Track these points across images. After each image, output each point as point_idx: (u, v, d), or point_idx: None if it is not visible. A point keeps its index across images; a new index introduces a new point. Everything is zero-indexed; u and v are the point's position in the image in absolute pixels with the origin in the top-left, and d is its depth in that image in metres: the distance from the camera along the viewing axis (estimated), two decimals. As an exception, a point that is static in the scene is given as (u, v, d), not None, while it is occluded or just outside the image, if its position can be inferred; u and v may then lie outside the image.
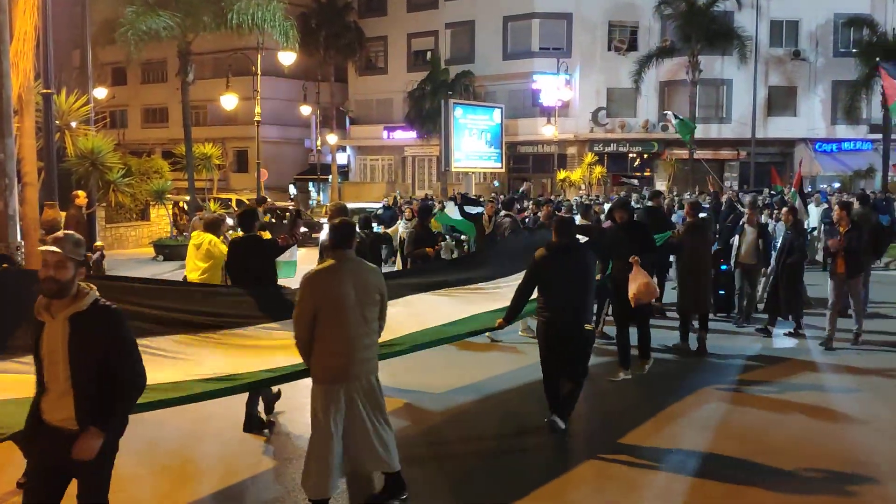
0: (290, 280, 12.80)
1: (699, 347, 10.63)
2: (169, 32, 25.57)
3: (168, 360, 5.87)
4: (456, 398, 8.80)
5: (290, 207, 28.61)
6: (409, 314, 7.54)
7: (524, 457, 7.03)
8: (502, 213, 13.51)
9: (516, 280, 7.89)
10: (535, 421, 7.63)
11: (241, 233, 8.43)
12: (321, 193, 47.92)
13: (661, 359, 10.22)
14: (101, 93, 30.64)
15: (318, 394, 5.54)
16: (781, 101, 40.87)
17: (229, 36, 27.17)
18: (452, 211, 14.85)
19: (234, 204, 29.79)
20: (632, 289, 8.85)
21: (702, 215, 12.23)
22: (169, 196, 26.10)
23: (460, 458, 7.11)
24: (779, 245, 12.39)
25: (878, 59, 35.00)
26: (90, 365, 4.05)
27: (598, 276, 9.00)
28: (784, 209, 12.46)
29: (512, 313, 7.54)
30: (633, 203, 14.98)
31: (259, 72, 28.28)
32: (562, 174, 39.72)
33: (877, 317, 13.18)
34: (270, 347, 6.43)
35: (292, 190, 29.71)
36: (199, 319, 6.48)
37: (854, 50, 38.66)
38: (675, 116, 29.22)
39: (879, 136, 37.25)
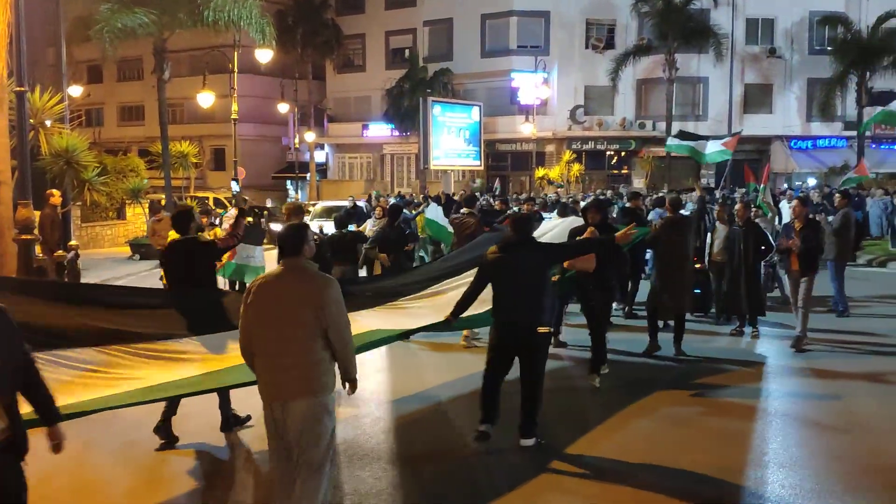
0: None
1: (675, 350, 10.35)
2: (145, 30, 25.40)
3: (92, 374, 5.53)
4: (416, 403, 8.59)
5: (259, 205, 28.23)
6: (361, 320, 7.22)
7: (489, 464, 6.81)
8: (464, 211, 12.72)
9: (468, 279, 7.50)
10: (503, 427, 7.19)
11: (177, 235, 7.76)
12: (299, 192, 47.74)
13: (632, 363, 10.10)
14: (76, 91, 30.33)
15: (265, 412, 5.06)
16: (757, 98, 41.21)
17: (206, 33, 27.04)
18: (434, 213, 14.16)
19: (210, 202, 29.62)
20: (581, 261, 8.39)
21: (683, 212, 11.98)
22: (148, 196, 25.91)
23: (422, 463, 6.88)
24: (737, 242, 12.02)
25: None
26: None
27: (555, 278, 8.68)
28: (738, 205, 12.19)
29: (459, 308, 7.14)
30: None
31: (236, 69, 28.12)
32: (540, 172, 39.83)
33: (856, 316, 13.19)
34: (206, 359, 6.13)
35: (234, 186, 29.13)
36: (131, 329, 6.14)
37: (829, 48, 38.99)
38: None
39: (854, 133, 37.63)
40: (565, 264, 8.52)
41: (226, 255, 11.83)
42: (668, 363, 10.13)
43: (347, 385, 5.15)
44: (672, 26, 37.13)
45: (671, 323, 10.81)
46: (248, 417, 7.66)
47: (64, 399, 4.79)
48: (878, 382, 9.30)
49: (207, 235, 12.07)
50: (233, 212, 18.18)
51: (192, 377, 5.91)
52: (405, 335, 7.51)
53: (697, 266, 12.51)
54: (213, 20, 25.39)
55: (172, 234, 9.34)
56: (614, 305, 12.74)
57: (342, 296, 5.01)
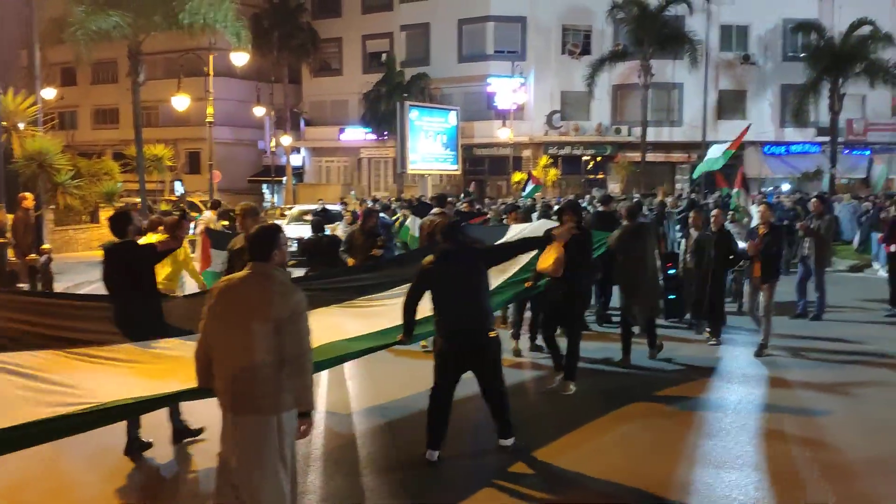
0: None
1: (649, 354, 10.38)
2: (119, 32, 25.20)
3: (31, 382, 5.21)
4: (378, 414, 8.34)
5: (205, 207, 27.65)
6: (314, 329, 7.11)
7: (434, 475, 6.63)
8: (435, 211, 12.21)
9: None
10: (454, 438, 7.04)
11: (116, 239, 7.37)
12: (275, 195, 47.58)
13: (600, 371, 9.98)
14: (49, 93, 30.01)
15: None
16: (731, 104, 41.61)
17: (181, 36, 26.87)
18: (415, 225, 13.62)
19: (185, 206, 29.44)
20: (542, 261, 8.22)
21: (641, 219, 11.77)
22: (126, 202, 25.72)
23: (376, 473, 6.68)
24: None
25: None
26: None
27: (528, 283, 8.72)
28: (716, 210, 11.99)
29: (405, 326, 6.82)
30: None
31: (211, 72, 28.00)
32: (517, 176, 39.95)
33: (831, 321, 13.20)
34: (145, 367, 5.85)
35: (178, 188, 28.82)
36: (69, 335, 6.05)
37: (802, 54, 39.44)
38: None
39: (827, 138, 38.13)
40: (539, 268, 8.31)
41: (199, 265, 11.46)
42: (633, 372, 10.02)
43: (300, 423, 4.71)
44: (647, 33, 37.43)
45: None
46: (201, 430, 7.37)
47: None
48: (844, 394, 9.10)
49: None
50: (208, 214, 17.98)
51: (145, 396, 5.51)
52: (366, 352, 7.10)
53: (672, 271, 12.56)
54: (189, 23, 25.26)
55: (148, 238, 9.25)
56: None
57: (306, 311, 4.67)
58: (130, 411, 5.71)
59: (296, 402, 4.62)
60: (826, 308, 13.52)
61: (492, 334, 6.74)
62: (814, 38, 38.69)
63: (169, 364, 5.78)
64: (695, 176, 21.03)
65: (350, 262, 11.29)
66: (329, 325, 7.11)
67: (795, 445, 7.34)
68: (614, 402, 8.66)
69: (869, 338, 11.94)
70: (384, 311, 7.65)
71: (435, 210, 12.26)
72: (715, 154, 21.15)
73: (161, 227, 9.69)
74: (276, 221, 27.73)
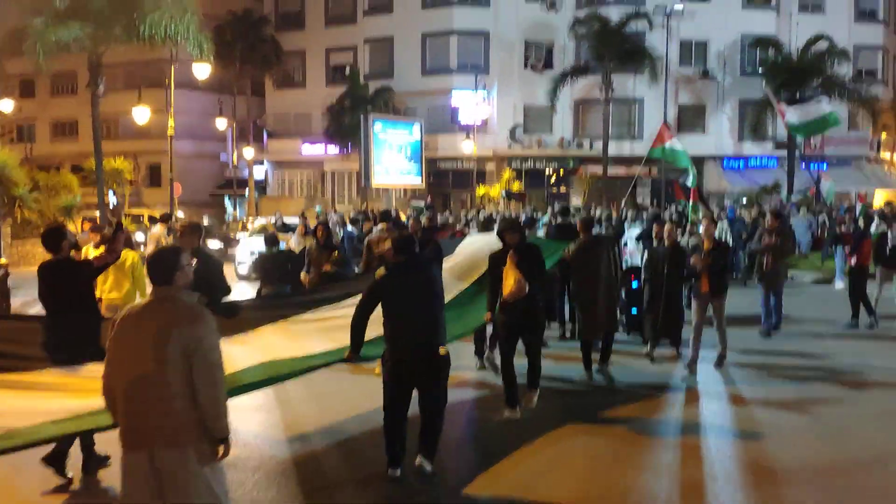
0: None
1: (602, 374, 10.19)
2: (79, 44, 24.95)
3: None
4: (321, 438, 7.99)
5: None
6: (254, 347, 6.82)
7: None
8: (380, 227, 11.72)
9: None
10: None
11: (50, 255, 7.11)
12: (238, 208, 47.24)
13: (555, 389, 9.69)
14: (7, 105, 29.69)
15: None
16: (691, 119, 42.21)
17: (142, 48, 26.66)
18: None
19: (145, 220, 29.13)
20: (506, 286, 8.16)
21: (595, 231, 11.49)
22: (82, 213, 25.40)
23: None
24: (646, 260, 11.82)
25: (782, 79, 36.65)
26: None
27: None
28: (668, 224, 11.78)
29: (353, 341, 6.62)
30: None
31: (172, 84, 27.78)
32: (481, 190, 40.11)
33: (793, 335, 13.18)
34: (75, 390, 5.61)
35: (112, 198, 28.48)
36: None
37: (760, 70, 40.20)
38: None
39: (784, 152, 38.81)
40: (505, 297, 8.19)
41: None
42: (591, 389, 9.91)
43: (218, 448, 4.39)
44: (608, 48, 37.86)
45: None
46: (107, 458, 6.95)
47: None
48: (800, 411, 8.90)
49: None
50: (157, 228, 17.68)
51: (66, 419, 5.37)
52: (311, 370, 6.96)
53: (635, 284, 12.44)
54: (150, 35, 25.07)
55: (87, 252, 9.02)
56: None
57: (217, 335, 4.41)
58: (47, 438, 5.54)
59: (211, 431, 4.32)
60: (783, 318, 13.57)
61: (442, 351, 6.54)
62: (771, 54, 39.47)
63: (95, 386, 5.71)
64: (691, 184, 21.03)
65: (304, 277, 10.98)
66: (271, 343, 7.01)
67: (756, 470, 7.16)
68: (556, 420, 8.46)
69: (828, 352, 11.97)
70: (332, 325, 7.38)
71: (381, 226, 11.81)
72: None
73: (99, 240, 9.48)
74: (239, 234, 27.56)
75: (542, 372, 8.74)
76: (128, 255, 9.09)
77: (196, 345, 4.27)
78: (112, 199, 28.50)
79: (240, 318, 7.40)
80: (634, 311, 12.44)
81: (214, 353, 4.37)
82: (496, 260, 8.35)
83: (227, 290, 8.15)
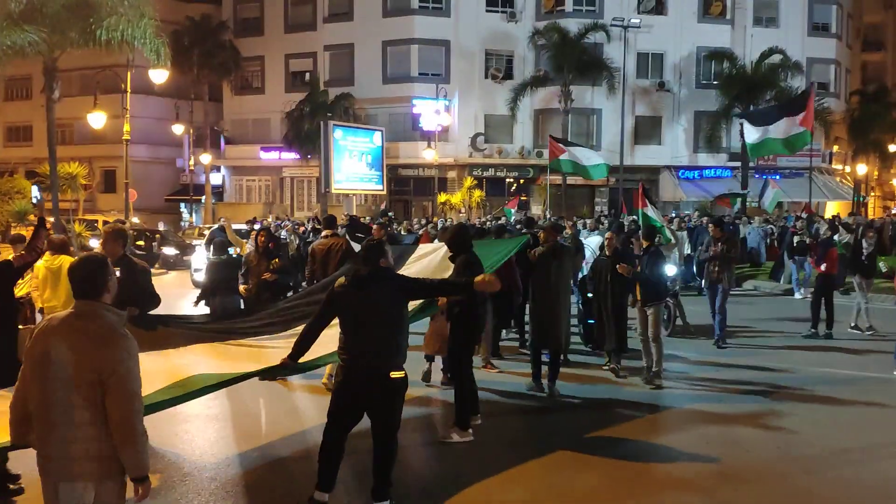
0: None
1: (548, 389, 9.72)
2: (34, 48, 24.53)
3: None
4: (257, 458, 7.53)
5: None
6: (177, 365, 6.48)
7: None
8: (325, 234, 11.08)
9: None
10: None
11: None
12: (194, 214, 46.75)
13: (505, 404, 9.40)
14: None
15: None
16: (647, 130, 42.78)
17: (98, 53, 26.30)
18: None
19: (100, 225, 28.72)
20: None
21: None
22: (37, 217, 24.93)
23: None
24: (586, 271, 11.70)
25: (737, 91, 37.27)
26: None
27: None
28: (608, 233, 11.54)
29: (298, 348, 6.14)
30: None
31: (129, 89, 27.43)
32: (442, 197, 40.20)
33: (747, 346, 13.14)
34: None
35: (35, 193, 27.96)
36: None
37: (715, 82, 40.91)
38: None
39: (738, 163, 39.48)
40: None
41: None
42: (543, 405, 9.48)
43: (136, 486, 3.91)
44: (567, 59, 38.25)
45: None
46: (18, 476, 6.54)
47: None
48: (763, 427, 8.66)
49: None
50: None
51: None
52: (239, 379, 6.45)
53: (590, 295, 11.95)
54: (106, 39, 24.73)
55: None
56: (504, 334, 12.70)
57: (136, 361, 3.94)
58: None
59: (126, 468, 3.90)
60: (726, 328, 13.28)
61: (396, 375, 5.93)
62: (726, 66, 40.21)
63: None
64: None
65: (242, 289, 10.58)
66: (196, 361, 6.65)
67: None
68: (501, 441, 8.15)
69: (783, 363, 11.84)
70: (271, 353, 6.89)
71: (325, 232, 11.07)
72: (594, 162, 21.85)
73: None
74: (195, 241, 27.24)
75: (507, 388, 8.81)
76: (63, 261, 8.64)
77: (111, 370, 3.80)
78: (36, 194, 27.84)
79: (170, 333, 7.01)
80: (592, 322, 12.00)
81: (132, 381, 3.87)
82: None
83: (156, 301, 7.60)
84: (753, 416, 9.01)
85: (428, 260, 9.06)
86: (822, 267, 14.09)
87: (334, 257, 10.19)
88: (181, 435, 8.10)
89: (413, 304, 7.90)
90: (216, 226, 22.77)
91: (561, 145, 24.24)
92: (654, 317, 10.47)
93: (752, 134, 21.20)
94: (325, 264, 10.19)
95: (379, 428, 6.04)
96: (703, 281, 13.95)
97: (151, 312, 7.32)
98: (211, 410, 8.87)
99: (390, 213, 33.00)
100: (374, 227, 14.96)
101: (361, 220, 25.05)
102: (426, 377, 10.12)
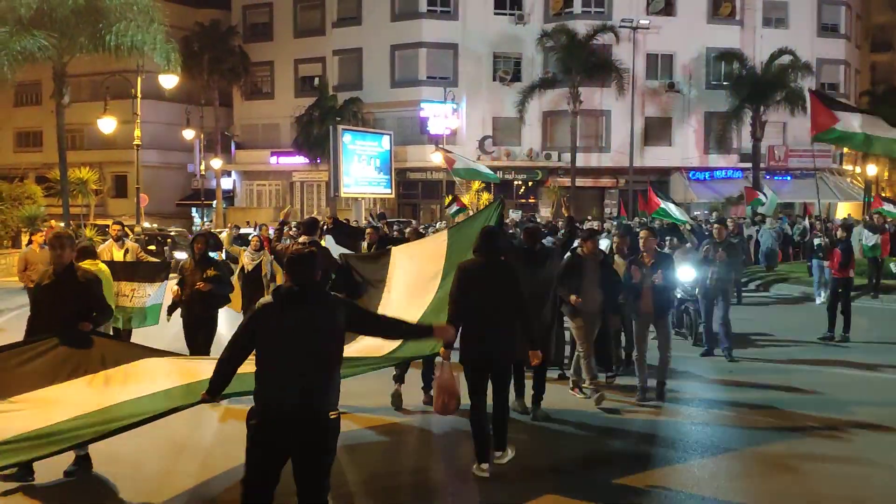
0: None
1: (532, 412, 8.64)
2: (44, 53, 24.65)
3: None
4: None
5: None
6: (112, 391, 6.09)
7: None
8: (303, 240, 9.99)
9: None
10: None
11: None
12: (205, 219, 46.89)
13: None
14: (-32, 114, 29.21)
15: None
16: (657, 131, 42.64)
17: (108, 58, 26.42)
18: (330, 243, 12.25)
19: (110, 230, 28.83)
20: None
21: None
22: (45, 224, 25.04)
23: None
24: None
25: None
26: None
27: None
28: (616, 236, 11.01)
29: (214, 380, 5.11)
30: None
31: (139, 95, 27.54)
32: (449, 200, 40.13)
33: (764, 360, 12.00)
34: None
35: None
36: None
37: (725, 83, 40.79)
38: None
39: (749, 164, 39.34)
40: None
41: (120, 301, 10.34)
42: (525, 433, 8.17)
43: None
44: (576, 61, 38.18)
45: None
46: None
47: None
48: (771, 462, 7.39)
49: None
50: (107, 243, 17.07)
51: None
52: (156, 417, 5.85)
53: None
54: (116, 45, 24.84)
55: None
56: None
57: None
58: None
59: None
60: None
61: (331, 415, 4.82)
62: (736, 67, 40.11)
63: None
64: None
65: (176, 292, 9.70)
66: (128, 389, 6.15)
67: None
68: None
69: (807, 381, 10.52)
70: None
71: (303, 238, 10.00)
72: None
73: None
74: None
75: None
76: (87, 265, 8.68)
77: None
78: None
79: (124, 346, 6.69)
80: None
81: None
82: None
83: (108, 314, 7.12)
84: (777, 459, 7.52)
85: (413, 264, 8.52)
86: (848, 272, 13.55)
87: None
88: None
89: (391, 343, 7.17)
90: (225, 230, 22.93)
91: (451, 156, 24.36)
92: (666, 330, 9.58)
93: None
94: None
95: (304, 483, 4.82)
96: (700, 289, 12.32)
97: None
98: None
99: (381, 215, 32.86)
100: (368, 230, 13.87)
101: (352, 222, 24.73)
102: (396, 402, 9.02)
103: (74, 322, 6.53)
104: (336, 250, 11.46)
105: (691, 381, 10.65)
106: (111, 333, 10.33)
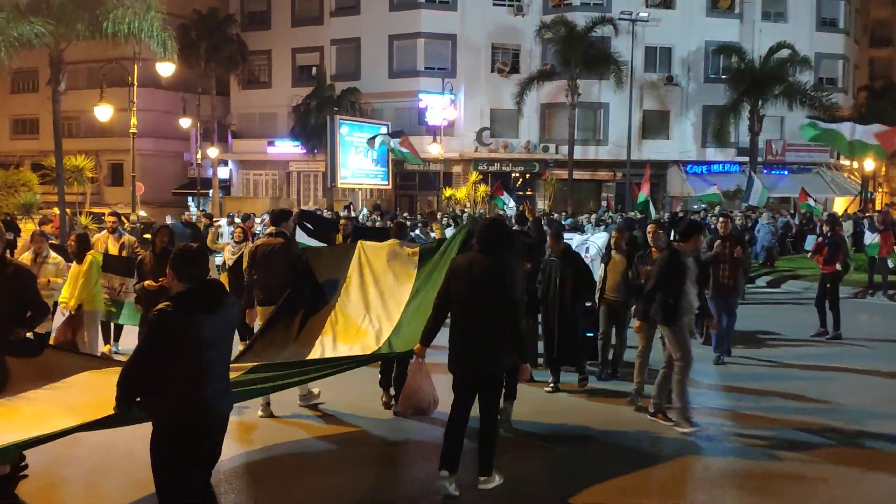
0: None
1: (502, 418, 7.67)
2: (41, 40, 24.50)
3: None
4: None
5: None
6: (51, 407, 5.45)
7: None
8: (270, 230, 9.20)
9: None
10: None
11: None
12: (201, 208, 46.74)
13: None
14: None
15: None
16: (655, 124, 42.63)
17: (104, 45, 26.27)
18: (302, 237, 11.83)
19: (106, 218, 28.75)
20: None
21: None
22: (42, 211, 25.01)
23: None
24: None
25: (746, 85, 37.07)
26: None
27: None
28: (615, 231, 10.57)
29: (120, 394, 4.60)
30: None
31: (136, 82, 27.41)
32: (447, 192, 40.14)
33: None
34: None
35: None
36: None
37: (723, 76, 40.78)
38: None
39: (747, 158, 39.35)
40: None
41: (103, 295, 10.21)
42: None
43: None
44: (574, 53, 38.12)
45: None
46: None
47: None
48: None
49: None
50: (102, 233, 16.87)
51: None
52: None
53: (588, 304, 10.17)
54: (113, 32, 24.68)
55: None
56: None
57: None
58: None
59: None
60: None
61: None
62: (735, 61, 40.10)
63: None
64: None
65: (148, 283, 9.00)
66: (75, 403, 5.44)
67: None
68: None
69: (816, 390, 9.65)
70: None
71: (271, 229, 9.25)
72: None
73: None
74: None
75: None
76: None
77: None
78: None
79: (47, 362, 5.86)
80: (590, 334, 10.23)
81: None
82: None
83: (44, 311, 6.43)
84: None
85: (380, 270, 8.01)
86: (837, 266, 13.43)
87: (279, 264, 8.45)
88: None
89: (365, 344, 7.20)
90: (224, 220, 22.87)
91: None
92: (673, 337, 8.06)
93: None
94: (268, 272, 8.56)
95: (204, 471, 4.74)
96: (709, 286, 11.18)
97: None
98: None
99: (377, 206, 32.84)
100: (343, 220, 13.02)
101: (321, 212, 23.88)
102: (389, 405, 8.62)
103: (5, 327, 5.78)
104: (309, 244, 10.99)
105: (699, 388, 9.66)
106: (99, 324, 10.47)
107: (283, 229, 8.91)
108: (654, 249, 9.14)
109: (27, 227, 26.91)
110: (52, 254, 9.60)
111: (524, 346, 6.29)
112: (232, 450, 6.91)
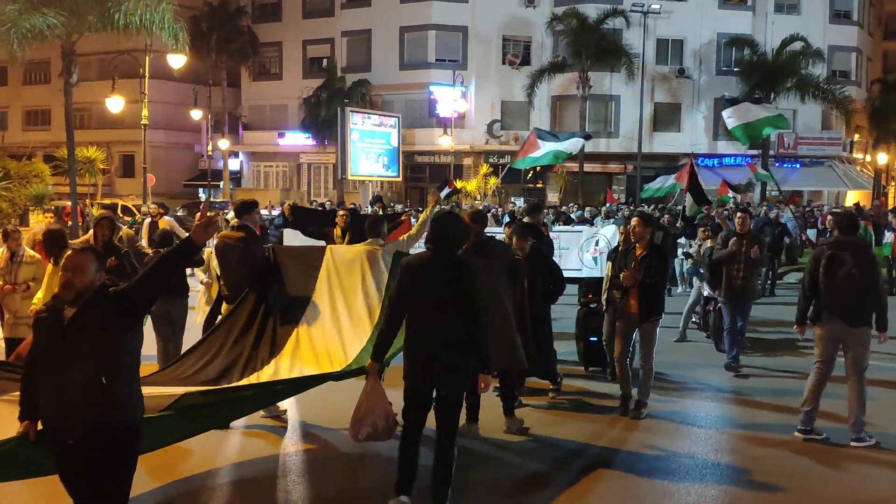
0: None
1: (507, 424, 7.68)
2: (53, 32, 24.56)
3: None
4: None
5: None
6: None
7: None
8: (233, 223, 8.65)
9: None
10: None
11: None
12: (212, 199, 46.88)
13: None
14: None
15: None
16: (666, 117, 42.45)
17: (116, 37, 26.32)
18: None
19: (119, 210, 28.87)
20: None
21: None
22: (53, 203, 25.12)
23: None
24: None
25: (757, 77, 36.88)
26: None
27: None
28: (614, 226, 10.36)
29: (22, 404, 4.35)
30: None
31: (147, 74, 27.49)
32: (458, 184, 40.07)
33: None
34: None
35: None
36: None
37: (735, 69, 40.55)
38: None
39: (758, 151, 39.13)
40: None
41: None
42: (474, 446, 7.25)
43: None
44: (585, 45, 38.00)
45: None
46: None
47: None
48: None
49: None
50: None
51: None
52: None
53: (593, 305, 9.76)
54: (124, 24, 24.71)
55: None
56: None
57: None
58: None
59: None
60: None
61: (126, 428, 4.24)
62: (747, 53, 39.86)
63: None
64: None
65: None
66: None
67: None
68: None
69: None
70: None
71: (234, 222, 8.63)
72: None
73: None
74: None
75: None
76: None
77: None
78: None
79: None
80: (594, 339, 9.63)
81: None
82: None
83: None
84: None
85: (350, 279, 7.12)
86: None
87: (236, 260, 7.67)
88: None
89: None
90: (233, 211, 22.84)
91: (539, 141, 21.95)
92: (650, 334, 8.20)
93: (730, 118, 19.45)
94: (225, 268, 7.96)
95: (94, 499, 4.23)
96: (722, 287, 10.63)
97: None
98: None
99: (378, 198, 32.74)
100: (341, 213, 12.28)
101: (325, 205, 23.12)
102: None
103: None
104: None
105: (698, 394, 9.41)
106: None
107: (246, 222, 7.96)
108: (637, 246, 8.26)
109: (39, 219, 27.11)
110: (30, 252, 8.87)
111: (487, 353, 5.62)
112: (192, 464, 6.76)
